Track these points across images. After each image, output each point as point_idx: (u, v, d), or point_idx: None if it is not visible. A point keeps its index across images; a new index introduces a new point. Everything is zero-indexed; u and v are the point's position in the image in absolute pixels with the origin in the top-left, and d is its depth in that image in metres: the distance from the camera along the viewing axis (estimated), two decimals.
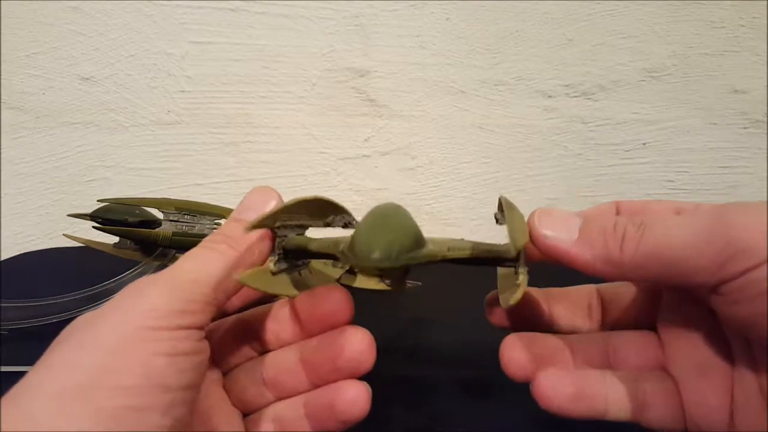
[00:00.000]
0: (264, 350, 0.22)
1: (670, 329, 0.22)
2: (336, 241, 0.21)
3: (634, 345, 0.23)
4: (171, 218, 0.36)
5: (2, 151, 0.53)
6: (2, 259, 0.50)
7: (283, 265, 0.22)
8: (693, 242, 0.17)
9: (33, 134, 0.53)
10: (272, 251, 0.22)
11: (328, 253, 0.21)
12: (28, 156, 0.54)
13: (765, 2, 0.52)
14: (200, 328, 0.18)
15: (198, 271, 0.18)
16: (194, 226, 0.37)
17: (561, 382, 0.21)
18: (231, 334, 0.22)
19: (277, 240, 0.22)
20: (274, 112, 0.53)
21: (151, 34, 0.51)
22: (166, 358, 0.16)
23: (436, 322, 0.36)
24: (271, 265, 0.21)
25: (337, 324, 0.21)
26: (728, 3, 0.52)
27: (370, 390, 0.20)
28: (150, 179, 0.55)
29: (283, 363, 0.22)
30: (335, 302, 0.21)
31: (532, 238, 0.20)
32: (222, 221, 0.37)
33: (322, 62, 0.52)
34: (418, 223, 0.21)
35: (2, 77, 0.51)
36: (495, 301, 0.24)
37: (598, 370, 0.22)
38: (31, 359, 0.30)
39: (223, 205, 0.39)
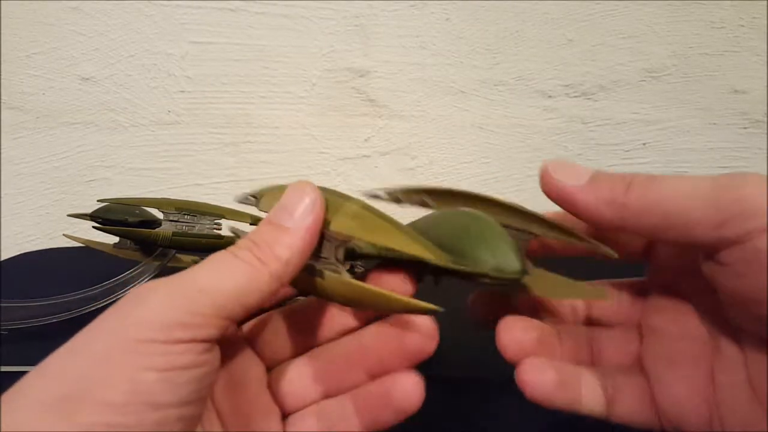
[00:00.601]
0: (315, 344, 0.21)
1: (651, 326, 0.22)
2: (423, 246, 0.18)
3: (614, 341, 0.23)
4: (171, 218, 0.36)
5: (2, 151, 0.53)
6: (2, 259, 0.50)
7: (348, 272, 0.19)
8: (700, 193, 0.17)
9: (33, 134, 0.53)
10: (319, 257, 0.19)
11: (419, 259, 0.18)
12: (28, 156, 0.54)
13: (765, 2, 0.52)
14: (205, 341, 0.16)
15: (211, 279, 0.16)
16: (194, 226, 0.37)
17: (545, 370, 0.21)
18: (280, 327, 0.21)
19: (332, 243, 0.19)
20: (274, 112, 0.53)
21: (151, 35, 0.51)
22: (158, 373, 0.15)
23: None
24: (346, 275, 0.18)
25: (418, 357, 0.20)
26: (728, 3, 0.52)
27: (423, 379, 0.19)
28: (150, 179, 0.55)
29: (338, 352, 0.21)
30: (426, 334, 0.20)
31: (543, 183, 0.20)
32: (222, 221, 0.37)
33: (322, 62, 0.52)
34: None
35: (2, 77, 0.51)
36: (486, 300, 0.24)
37: (574, 365, 0.22)
38: (31, 359, 0.30)
39: (223, 205, 0.39)
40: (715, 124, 0.55)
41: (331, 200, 0.19)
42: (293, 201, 0.18)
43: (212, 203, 0.39)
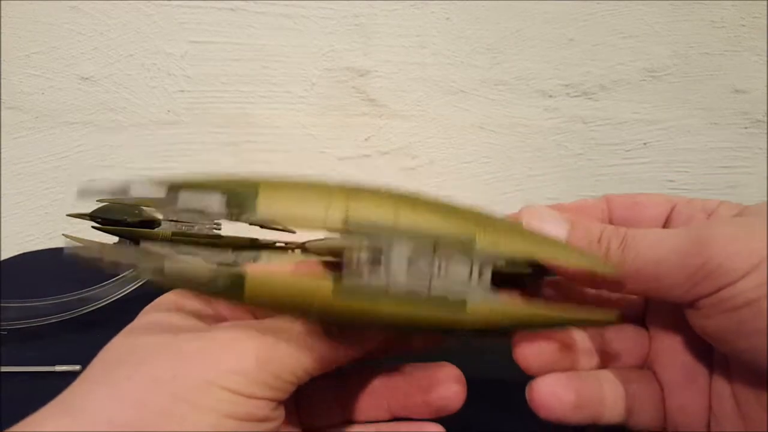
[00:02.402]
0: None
1: (658, 328, 0.22)
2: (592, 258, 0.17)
3: (625, 341, 0.22)
4: (170, 218, 0.36)
5: (2, 150, 0.53)
6: (2, 259, 0.50)
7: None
8: (671, 261, 0.17)
9: (32, 134, 0.53)
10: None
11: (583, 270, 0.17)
12: (28, 156, 0.53)
13: (766, 2, 0.52)
14: (277, 401, 0.17)
15: (299, 347, 0.17)
16: (194, 226, 0.37)
17: (562, 388, 0.20)
18: None
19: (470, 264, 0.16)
20: (274, 111, 0.53)
21: (150, 34, 0.51)
22: (237, 422, 0.16)
23: None
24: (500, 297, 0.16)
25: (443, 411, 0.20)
26: (729, 3, 0.52)
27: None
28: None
29: (366, 385, 0.21)
30: (452, 395, 0.20)
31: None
32: (222, 222, 0.37)
33: (322, 62, 0.52)
34: None
35: (1, 77, 0.51)
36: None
37: (593, 371, 0.22)
38: (31, 359, 0.30)
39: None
40: (716, 123, 0.55)
41: (463, 212, 0.17)
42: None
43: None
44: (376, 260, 0.15)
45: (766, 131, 0.55)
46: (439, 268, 0.15)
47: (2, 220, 0.54)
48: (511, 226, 0.17)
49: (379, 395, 0.21)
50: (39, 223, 0.55)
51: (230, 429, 0.15)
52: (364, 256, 0.15)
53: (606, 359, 0.22)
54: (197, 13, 0.50)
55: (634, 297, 0.23)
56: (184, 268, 0.17)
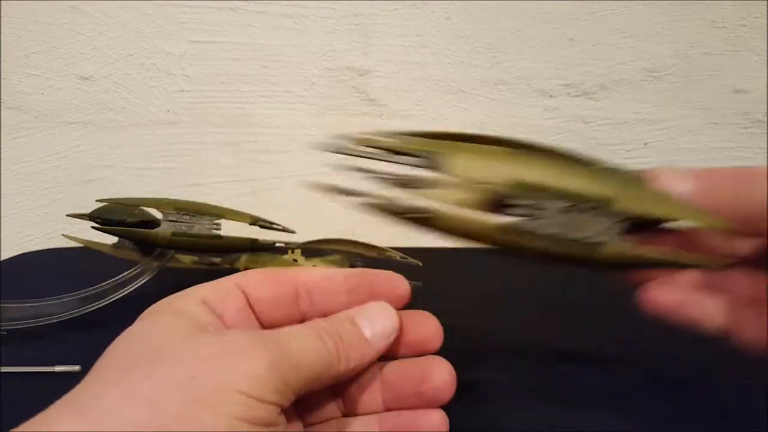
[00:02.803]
0: None
1: None
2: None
3: (742, 278, 0.22)
4: (170, 218, 0.36)
5: (1, 150, 0.53)
6: (2, 259, 0.50)
7: None
8: None
9: (32, 134, 0.53)
10: None
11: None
12: (27, 156, 0.53)
13: (766, 2, 0.52)
14: (282, 407, 0.17)
15: (303, 357, 0.18)
16: (193, 227, 0.36)
17: (669, 292, 0.21)
18: None
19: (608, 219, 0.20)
20: (274, 111, 0.53)
21: (150, 34, 0.51)
22: (249, 425, 0.16)
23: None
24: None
25: (424, 350, 0.21)
26: (729, 2, 0.52)
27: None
28: (149, 179, 0.54)
29: (361, 379, 0.21)
30: (431, 331, 0.21)
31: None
32: (221, 221, 0.37)
33: (322, 61, 0.52)
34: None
35: (1, 77, 0.51)
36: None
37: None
38: (31, 360, 0.30)
39: (222, 205, 0.39)
40: (716, 123, 0.55)
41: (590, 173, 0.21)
42: (379, 319, 0.20)
43: (211, 203, 0.39)
44: (535, 207, 0.20)
45: (766, 131, 0.55)
46: (582, 220, 0.20)
47: (2, 220, 0.54)
48: (643, 186, 0.20)
49: (373, 389, 0.21)
50: (39, 223, 0.55)
51: None
52: (524, 203, 0.20)
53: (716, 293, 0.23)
54: (197, 13, 0.50)
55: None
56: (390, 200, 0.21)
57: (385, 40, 0.52)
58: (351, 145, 0.22)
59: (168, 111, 0.53)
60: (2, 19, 0.50)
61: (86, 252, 0.40)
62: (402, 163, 0.22)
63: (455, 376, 0.20)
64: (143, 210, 0.38)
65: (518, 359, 0.33)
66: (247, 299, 0.21)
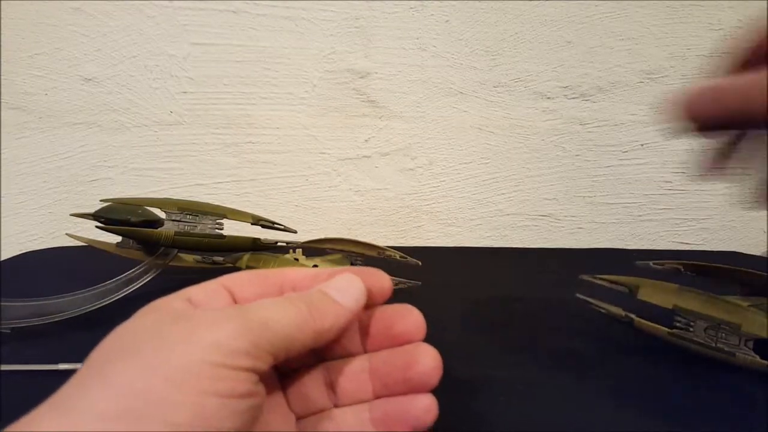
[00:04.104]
0: (324, 357, 0.23)
1: None
2: None
3: None
4: (173, 218, 0.36)
5: (5, 151, 0.54)
6: (4, 258, 0.50)
7: None
8: None
9: (36, 134, 0.53)
10: None
11: None
12: (31, 156, 0.54)
13: (764, 2, 0.52)
14: (258, 372, 0.17)
15: (271, 317, 0.18)
16: (196, 226, 0.37)
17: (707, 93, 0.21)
18: None
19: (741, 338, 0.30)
20: (276, 113, 0.54)
21: (153, 36, 0.51)
22: (220, 399, 0.16)
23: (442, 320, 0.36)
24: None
25: (408, 341, 0.21)
26: (726, 4, 0.52)
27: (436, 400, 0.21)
28: (152, 179, 0.55)
29: (350, 370, 0.22)
30: (413, 323, 0.21)
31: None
32: (224, 221, 0.38)
33: (322, 64, 0.53)
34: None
35: (5, 78, 0.52)
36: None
37: None
38: (32, 358, 0.31)
39: (224, 205, 0.39)
40: None
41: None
42: (345, 286, 0.21)
43: (214, 203, 0.39)
44: (687, 325, 0.32)
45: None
46: (721, 336, 0.31)
47: (5, 219, 0.55)
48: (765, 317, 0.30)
49: (362, 379, 0.22)
50: (42, 222, 0.55)
51: (214, 407, 0.16)
52: (683, 319, 0.32)
53: None
54: (199, 15, 0.51)
55: None
56: None
57: (385, 42, 0.52)
58: None
59: (171, 112, 0.53)
60: (6, 21, 0.50)
61: (90, 251, 0.41)
62: None
63: (441, 360, 0.21)
64: (147, 210, 0.38)
65: (517, 358, 0.33)
66: (233, 298, 0.21)
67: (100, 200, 0.38)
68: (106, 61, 0.52)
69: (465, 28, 0.52)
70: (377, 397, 0.21)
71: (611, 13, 0.52)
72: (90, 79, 0.52)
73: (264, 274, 0.22)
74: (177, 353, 0.16)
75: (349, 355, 0.22)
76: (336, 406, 0.22)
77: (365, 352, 0.22)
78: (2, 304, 0.34)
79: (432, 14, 0.52)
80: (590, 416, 0.28)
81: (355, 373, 0.22)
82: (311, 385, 0.22)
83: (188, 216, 0.37)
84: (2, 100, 0.52)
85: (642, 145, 0.56)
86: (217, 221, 0.38)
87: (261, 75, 0.53)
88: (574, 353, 0.34)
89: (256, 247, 0.40)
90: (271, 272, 0.22)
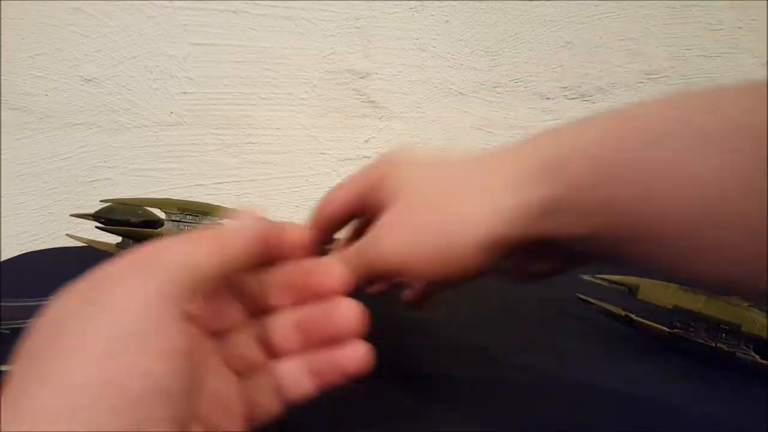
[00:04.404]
0: (254, 313, 0.23)
1: None
2: None
3: None
4: (173, 218, 0.36)
5: (5, 151, 0.54)
6: (4, 258, 0.50)
7: None
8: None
9: (36, 135, 0.53)
10: None
11: None
12: (31, 156, 0.54)
13: (764, 2, 0.52)
14: (190, 318, 0.17)
15: (180, 259, 0.18)
16: (197, 227, 0.37)
17: None
18: (219, 296, 0.23)
19: None
20: (276, 113, 0.54)
21: (153, 36, 0.51)
22: (164, 359, 0.16)
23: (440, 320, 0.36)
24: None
25: (330, 295, 0.22)
26: (726, 5, 0.52)
27: (370, 346, 0.21)
28: (152, 180, 0.55)
29: (279, 325, 0.22)
30: (333, 277, 0.22)
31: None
32: (225, 221, 0.38)
33: (323, 64, 0.53)
34: None
35: (5, 78, 0.52)
36: None
37: None
38: None
39: (224, 206, 0.39)
40: None
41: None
42: (243, 217, 0.21)
43: (214, 203, 0.39)
44: (687, 325, 0.32)
45: None
46: (721, 336, 0.31)
47: (5, 219, 0.55)
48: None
49: (292, 333, 0.22)
50: (42, 222, 0.55)
51: (161, 370, 0.16)
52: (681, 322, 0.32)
53: None
54: (199, 16, 0.51)
55: None
56: None
57: (385, 43, 0.52)
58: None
59: (171, 113, 0.53)
60: (6, 21, 0.50)
61: (90, 251, 0.41)
62: None
63: (361, 310, 0.21)
64: (147, 210, 0.38)
65: (517, 358, 0.33)
66: None
67: (100, 201, 0.38)
68: (106, 62, 0.52)
69: (465, 29, 0.52)
70: (309, 349, 0.22)
71: (611, 13, 0.52)
72: (90, 80, 0.52)
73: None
74: (106, 327, 0.16)
75: (277, 310, 0.22)
76: (273, 360, 0.22)
77: (292, 307, 0.22)
78: (2, 304, 0.34)
79: (432, 14, 0.52)
80: (590, 416, 0.28)
81: (285, 328, 0.22)
82: (245, 344, 0.22)
83: (188, 216, 0.37)
84: (2, 101, 0.52)
85: None
86: (218, 222, 0.38)
87: (261, 75, 0.53)
88: (574, 353, 0.34)
89: None
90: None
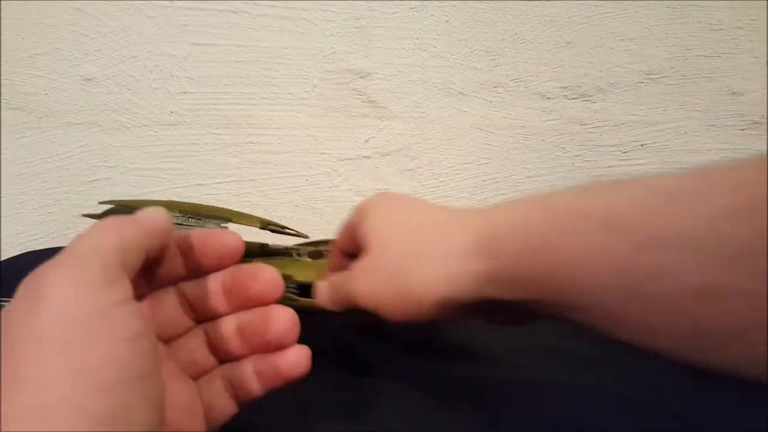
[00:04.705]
0: (201, 319, 0.24)
1: None
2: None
3: None
4: (176, 221, 0.36)
5: (5, 151, 0.54)
6: (4, 258, 0.50)
7: None
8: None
9: (36, 134, 0.53)
10: None
11: None
12: (31, 156, 0.54)
13: (764, 2, 0.52)
14: (130, 296, 0.18)
15: (97, 239, 0.18)
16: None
17: None
18: (168, 304, 0.23)
19: None
20: (276, 113, 0.54)
21: (153, 36, 0.51)
22: (127, 344, 0.16)
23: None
24: None
25: (264, 300, 0.23)
26: (726, 5, 0.52)
27: (310, 351, 0.22)
28: (152, 179, 0.55)
29: (223, 330, 0.23)
30: (266, 283, 0.23)
31: None
32: (228, 225, 0.38)
33: (323, 64, 0.53)
34: None
35: (5, 78, 0.52)
36: None
37: None
38: None
39: (225, 206, 0.39)
40: (713, 125, 0.56)
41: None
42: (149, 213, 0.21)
43: (215, 204, 0.39)
44: None
45: (763, 133, 0.55)
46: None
47: (5, 219, 0.55)
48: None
49: (235, 338, 0.23)
50: (42, 222, 0.55)
51: (125, 354, 0.16)
52: None
53: None
54: (199, 15, 0.51)
55: None
56: None
57: (385, 42, 0.52)
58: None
59: (171, 112, 0.53)
60: (6, 21, 0.50)
61: None
62: None
63: (296, 317, 0.22)
64: None
65: (517, 358, 0.33)
66: None
67: (99, 202, 0.38)
68: (106, 61, 0.52)
69: (465, 29, 0.52)
70: (253, 352, 0.23)
71: (611, 13, 0.52)
72: (90, 79, 0.52)
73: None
74: (59, 318, 0.16)
75: (220, 315, 0.23)
76: (222, 363, 0.23)
77: (233, 312, 0.23)
78: (2, 304, 0.34)
79: (432, 14, 0.52)
80: (590, 416, 0.28)
81: (229, 333, 0.23)
82: (195, 349, 0.23)
83: (191, 219, 0.37)
84: (2, 100, 0.52)
85: (642, 145, 0.56)
86: (222, 225, 0.38)
87: (261, 75, 0.53)
88: (574, 353, 0.34)
89: (264, 252, 0.40)
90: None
